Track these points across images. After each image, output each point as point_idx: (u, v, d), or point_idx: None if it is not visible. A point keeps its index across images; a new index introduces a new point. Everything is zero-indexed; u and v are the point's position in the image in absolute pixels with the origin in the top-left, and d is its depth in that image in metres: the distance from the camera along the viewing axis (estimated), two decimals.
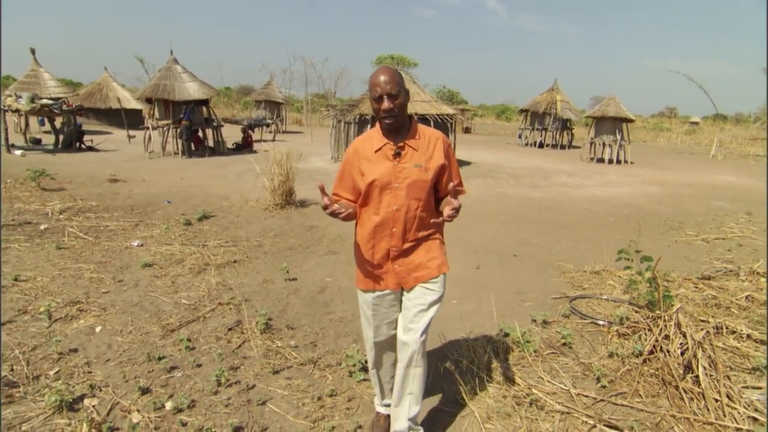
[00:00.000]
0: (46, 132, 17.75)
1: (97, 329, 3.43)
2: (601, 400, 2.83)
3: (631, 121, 16.42)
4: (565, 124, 21.85)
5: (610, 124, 16.10)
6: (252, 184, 9.22)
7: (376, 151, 2.08)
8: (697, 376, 2.92)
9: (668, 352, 3.19)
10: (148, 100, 14.11)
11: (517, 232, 6.68)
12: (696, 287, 4.62)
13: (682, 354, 3.12)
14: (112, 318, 3.61)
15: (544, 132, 21.83)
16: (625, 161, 16.10)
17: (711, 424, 2.58)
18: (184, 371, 2.96)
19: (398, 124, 2.04)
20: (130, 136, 17.00)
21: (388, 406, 2.41)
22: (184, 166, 11.66)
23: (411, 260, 2.15)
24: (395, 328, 2.28)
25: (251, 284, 4.33)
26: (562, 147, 21.85)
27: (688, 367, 3.05)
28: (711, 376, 2.92)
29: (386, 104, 1.96)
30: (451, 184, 1.93)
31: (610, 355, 3.32)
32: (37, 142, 14.77)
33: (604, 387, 2.96)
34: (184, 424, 2.46)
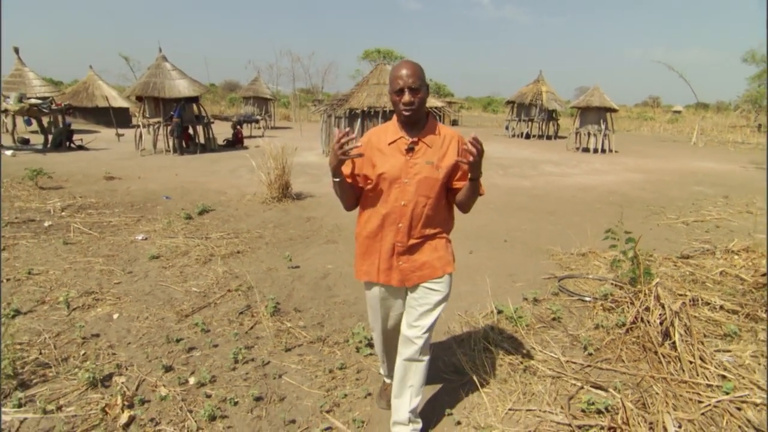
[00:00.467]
0: (33, 132, 17.63)
1: (115, 316, 3.62)
2: (588, 366, 3.10)
3: (614, 110, 16.81)
4: (551, 115, 22.23)
5: (594, 114, 16.48)
6: (247, 179, 9.38)
7: (390, 144, 2.08)
8: (674, 342, 3.20)
9: (648, 322, 3.47)
10: (138, 98, 14.12)
11: (507, 219, 6.96)
12: (675, 265, 4.93)
13: (661, 323, 3.40)
14: (127, 306, 3.80)
15: (530, 123, 22.18)
16: (610, 150, 16.50)
17: (685, 382, 2.86)
18: (202, 351, 3.17)
19: (416, 118, 2.03)
20: (119, 135, 16.97)
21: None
22: (177, 163, 11.75)
23: (416, 258, 2.14)
24: (400, 317, 2.31)
25: (256, 272, 4.54)
26: (549, 137, 22.24)
27: (666, 335, 3.33)
28: (686, 341, 3.21)
29: (407, 97, 1.96)
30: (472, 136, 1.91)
31: (596, 327, 3.60)
32: (26, 142, 14.71)
33: (590, 354, 3.24)
34: (209, 396, 2.68)
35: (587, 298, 4.12)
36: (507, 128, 23.41)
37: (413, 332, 2.16)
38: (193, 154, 13.51)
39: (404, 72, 1.94)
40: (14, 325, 3.30)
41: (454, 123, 30.88)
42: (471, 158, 1.89)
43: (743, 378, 2.88)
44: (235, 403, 2.63)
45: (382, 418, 2.53)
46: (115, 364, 2.96)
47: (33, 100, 13.58)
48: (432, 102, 13.38)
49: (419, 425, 2.34)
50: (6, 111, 12.73)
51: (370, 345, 3.19)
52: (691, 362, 3.04)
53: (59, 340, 3.21)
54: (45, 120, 15.22)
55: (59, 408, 2.53)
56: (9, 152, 11.97)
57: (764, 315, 3.69)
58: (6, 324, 3.25)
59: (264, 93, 24.64)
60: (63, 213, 6.40)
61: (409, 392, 2.24)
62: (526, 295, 4.16)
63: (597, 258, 5.16)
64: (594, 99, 16.41)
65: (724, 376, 2.89)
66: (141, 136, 13.58)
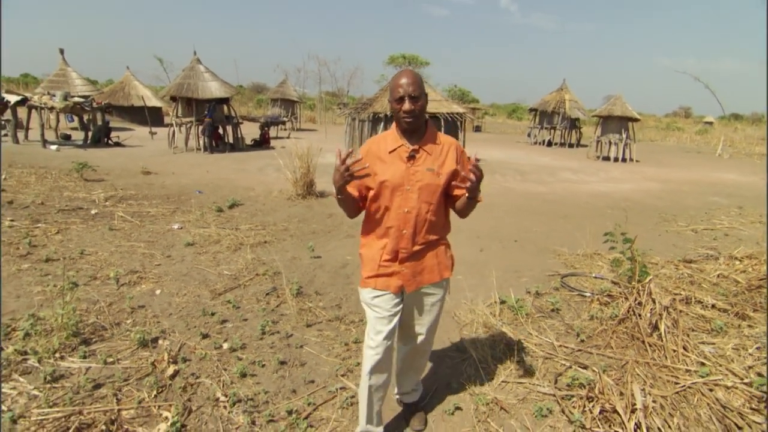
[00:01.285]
0: (72, 128, 18.58)
1: (157, 292, 4.09)
2: (579, 350, 3.41)
3: (636, 120, 16.84)
4: (574, 123, 22.27)
5: (616, 123, 16.55)
6: (274, 177, 9.89)
7: (390, 152, 2.10)
8: (660, 333, 3.49)
9: (640, 315, 3.75)
10: (173, 98, 14.85)
11: (519, 221, 7.25)
12: (676, 268, 5.17)
13: (651, 317, 3.69)
14: (167, 284, 4.27)
15: (552, 130, 22.27)
16: (631, 159, 16.53)
17: (666, 367, 3.15)
18: (233, 323, 3.60)
19: (416, 126, 2.08)
20: (152, 133, 17.77)
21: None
22: (208, 161, 12.36)
23: (418, 264, 2.17)
24: (396, 333, 2.27)
25: (282, 260, 4.97)
26: (571, 145, 22.28)
27: (655, 327, 3.62)
28: (672, 333, 3.49)
29: (407, 105, 2.00)
30: (472, 161, 1.95)
31: (591, 318, 3.90)
32: (67, 138, 15.61)
33: (582, 341, 3.55)
34: (240, 359, 3.10)
35: (586, 294, 4.42)
36: (529, 135, 23.53)
37: (416, 330, 2.33)
38: (223, 153, 14.13)
39: (404, 81, 2.00)
40: (74, 294, 3.79)
41: (477, 129, 31.08)
42: (469, 183, 1.92)
43: (720, 366, 3.15)
44: (263, 366, 3.04)
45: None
46: (160, 330, 3.41)
47: (77, 99, 14.41)
48: (454, 108, 13.71)
49: (420, 389, 2.68)
50: (52, 108, 13.53)
51: None
52: (674, 351, 3.32)
53: (112, 309, 3.68)
54: (85, 117, 16.12)
55: (116, 361, 2.98)
56: (54, 147, 12.76)
57: (752, 313, 3.93)
58: (66, 292, 3.74)
59: (291, 95, 25.33)
60: (107, 203, 6.97)
61: (413, 370, 2.53)
62: (529, 288, 4.48)
63: (601, 259, 5.43)
64: (616, 108, 16.49)
65: (703, 363, 3.16)
66: (174, 135, 14.28)
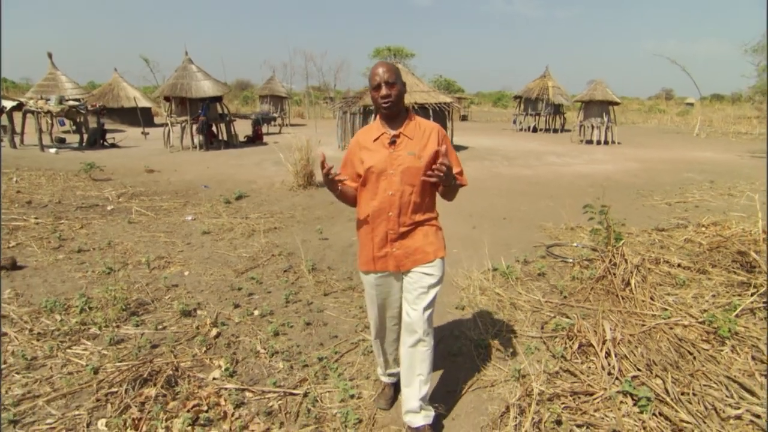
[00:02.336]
0: (64, 132, 18.73)
1: (186, 273, 4.55)
2: (562, 304, 3.95)
3: (616, 103, 17.47)
4: (557, 109, 22.87)
5: (597, 107, 17.16)
6: (272, 170, 10.32)
7: (374, 140, 2.25)
8: (632, 288, 4.04)
9: (614, 274, 4.29)
10: (166, 99, 15.14)
11: (508, 202, 7.79)
12: (649, 236, 5.74)
13: (624, 275, 4.24)
14: (193, 266, 4.73)
15: (537, 117, 22.86)
16: (613, 142, 17.17)
17: (636, 313, 3.70)
18: (259, 295, 4.09)
19: (395, 112, 2.22)
20: (144, 133, 18.03)
21: (392, 375, 2.65)
22: (205, 158, 12.73)
23: (409, 244, 2.26)
24: (398, 308, 2.42)
25: (293, 243, 5.44)
26: (555, 131, 22.91)
27: (627, 283, 4.16)
28: (642, 287, 4.04)
29: (384, 91, 2.14)
30: (440, 150, 2.07)
31: (573, 279, 4.45)
32: (62, 141, 15.83)
33: (565, 297, 4.09)
34: (270, 322, 3.58)
35: (569, 260, 4.96)
36: (515, 122, 24.10)
37: (413, 316, 2.26)
38: (218, 150, 14.48)
39: (380, 69, 2.15)
40: (117, 276, 4.24)
41: (464, 118, 31.60)
42: (436, 179, 2.05)
43: (681, 311, 3.70)
44: (291, 326, 3.53)
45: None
46: (196, 303, 3.88)
47: (71, 102, 14.64)
48: (441, 98, 14.18)
49: (431, 412, 2.40)
50: (48, 112, 13.78)
51: None
52: (642, 301, 3.87)
53: (150, 288, 4.15)
54: (78, 120, 16.34)
55: (165, 327, 3.46)
56: (53, 150, 13.05)
57: (711, 269, 4.51)
58: (111, 274, 4.19)
59: (279, 91, 25.60)
60: (120, 199, 7.38)
61: (418, 381, 2.31)
62: (518, 257, 5.01)
63: (582, 231, 5.98)
64: (597, 93, 17.09)
65: (665, 309, 3.71)
66: (169, 134, 14.59)
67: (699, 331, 3.42)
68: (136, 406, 2.51)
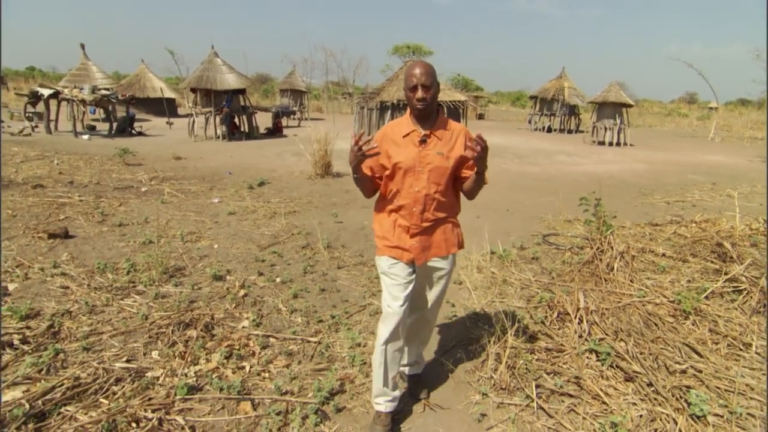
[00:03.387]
0: (94, 120, 19.57)
1: (215, 246, 5.11)
2: (550, 283, 4.41)
3: (630, 106, 17.66)
4: (573, 110, 23.05)
5: (610, 108, 17.38)
6: (292, 161, 10.88)
7: (404, 136, 2.27)
8: (614, 271, 4.48)
9: (601, 259, 4.74)
10: (192, 90, 15.82)
11: (514, 195, 8.22)
12: (642, 229, 6.14)
13: (609, 260, 4.67)
14: (221, 241, 5.29)
15: (552, 117, 23.07)
16: (625, 143, 17.39)
17: (614, 292, 4.14)
18: (280, 266, 4.62)
19: (428, 112, 2.24)
20: (169, 123, 18.76)
21: (388, 398, 2.42)
22: (227, 148, 13.35)
23: (427, 239, 2.34)
24: (408, 298, 2.38)
25: (310, 224, 5.97)
26: (570, 131, 23.09)
27: (612, 268, 4.60)
28: (624, 271, 4.48)
29: (420, 93, 2.16)
30: (476, 136, 2.08)
31: (563, 263, 4.90)
32: (93, 128, 16.62)
33: (553, 278, 4.54)
34: (290, 287, 4.11)
35: (562, 247, 5.41)
36: (530, 122, 24.34)
37: (422, 303, 2.50)
38: (239, 141, 15.10)
39: (417, 71, 2.16)
40: (152, 247, 4.82)
41: (480, 117, 31.86)
42: (475, 154, 2.07)
43: (656, 292, 4.13)
44: (308, 291, 4.06)
45: None
46: (226, 270, 4.43)
47: (103, 91, 15.40)
48: (456, 96, 14.59)
49: (423, 362, 2.88)
50: (83, 100, 14.54)
51: None
52: (623, 282, 4.32)
53: (184, 257, 4.71)
54: (109, 109, 17.11)
55: (200, 288, 4.01)
56: (86, 137, 13.81)
57: (691, 258, 4.92)
58: (151, 244, 4.76)
59: (299, 86, 26.20)
60: (152, 182, 8.00)
61: (417, 341, 2.69)
62: (515, 243, 5.47)
63: (579, 223, 6.39)
64: (611, 95, 17.31)
65: (642, 290, 4.15)
66: (194, 124, 15.26)
67: (668, 308, 3.86)
68: (181, 343, 3.06)
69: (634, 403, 2.63)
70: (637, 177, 10.59)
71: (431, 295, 2.48)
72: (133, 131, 16.12)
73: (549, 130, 23.24)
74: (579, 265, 4.74)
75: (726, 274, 4.31)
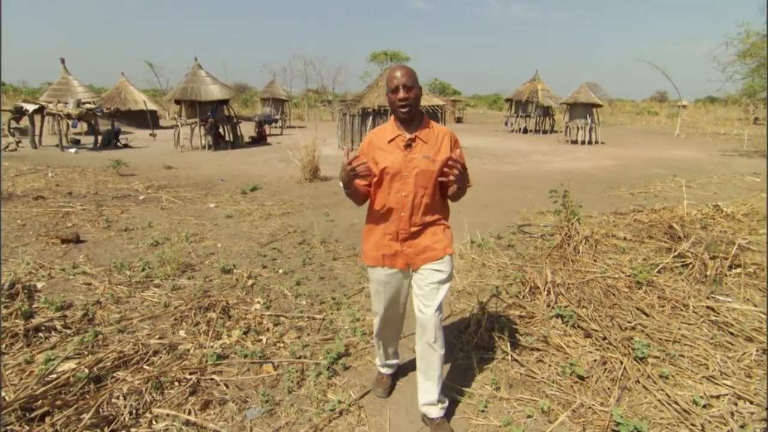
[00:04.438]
0: (76, 134, 19.65)
1: (218, 245, 5.54)
2: (523, 265, 4.96)
3: (599, 105, 18.54)
4: (547, 111, 23.95)
5: (581, 109, 18.23)
6: (280, 167, 11.32)
7: (389, 142, 2.29)
8: (580, 253, 5.05)
9: (568, 243, 5.32)
10: (177, 102, 16.12)
11: (492, 192, 8.81)
12: (606, 217, 6.76)
13: (576, 244, 5.25)
14: (223, 240, 5.72)
15: (527, 119, 23.93)
16: (596, 141, 18.24)
17: (580, 270, 4.70)
18: (281, 260, 5.08)
19: (411, 115, 2.25)
20: (152, 135, 18.98)
21: (390, 366, 2.83)
22: (214, 157, 13.71)
23: (418, 243, 2.33)
24: (404, 304, 2.52)
25: (304, 223, 6.44)
26: (545, 132, 23.98)
27: (578, 251, 5.17)
28: (588, 253, 5.06)
29: (402, 94, 2.18)
30: (452, 158, 2.17)
31: (535, 249, 5.46)
32: (77, 142, 16.77)
33: (527, 261, 5.09)
34: (293, 277, 4.57)
35: (535, 235, 5.98)
36: (506, 124, 25.17)
37: (426, 313, 2.33)
38: (225, 150, 15.45)
39: (399, 73, 2.20)
40: (160, 248, 5.22)
41: (459, 120, 32.66)
42: (452, 178, 2.16)
43: (616, 269, 4.71)
44: (309, 279, 4.53)
45: None
46: (232, 264, 4.87)
47: (88, 105, 15.60)
48: (434, 101, 15.20)
49: (446, 404, 2.52)
50: (68, 115, 14.73)
51: None
52: (587, 262, 4.89)
53: (192, 255, 5.13)
54: (93, 122, 17.28)
55: (211, 280, 4.45)
56: (72, 150, 14.02)
57: (647, 240, 5.53)
58: (156, 245, 5.16)
59: (280, 94, 26.60)
60: (148, 191, 8.37)
61: (437, 378, 2.41)
62: (493, 234, 6.02)
63: (551, 214, 6.99)
64: (581, 96, 18.16)
65: (604, 268, 4.72)
66: (179, 135, 15.56)
67: (625, 282, 4.43)
68: (203, 323, 3.51)
69: (591, 352, 3.17)
70: (605, 172, 11.31)
71: (433, 303, 2.33)
72: (119, 144, 16.34)
73: (525, 131, 24.09)
74: (549, 249, 5.31)
75: (674, 251, 4.93)
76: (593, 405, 2.63)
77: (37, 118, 15.41)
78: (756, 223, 6.12)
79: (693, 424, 2.44)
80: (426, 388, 2.45)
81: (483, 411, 2.62)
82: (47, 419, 2.32)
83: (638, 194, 8.68)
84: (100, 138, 16.12)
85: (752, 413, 2.50)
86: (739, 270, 4.64)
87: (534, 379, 2.92)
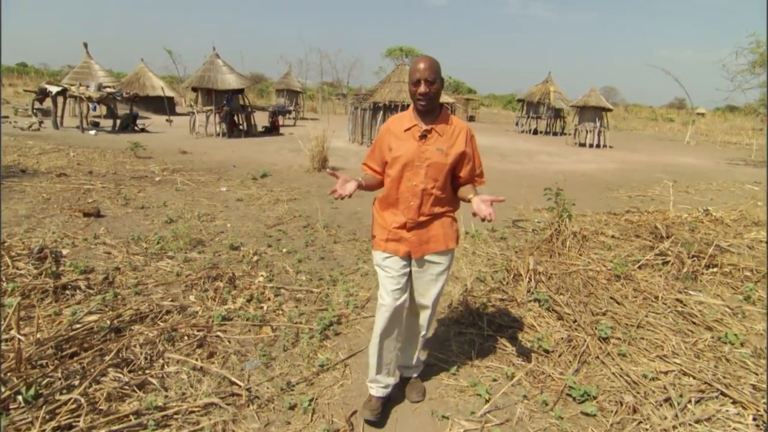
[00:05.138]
0: (95, 117, 20.21)
1: (228, 225, 5.92)
2: (511, 256, 5.26)
3: (609, 110, 18.66)
4: (558, 113, 24.06)
5: (591, 112, 18.37)
6: (290, 156, 11.69)
7: (405, 131, 2.30)
8: (567, 247, 5.34)
9: (557, 238, 5.61)
10: (194, 89, 16.56)
11: (492, 189, 9.01)
12: (599, 217, 7.03)
13: (564, 239, 5.54)
14: (233, 221, 6.09)
15: (538, 120, 24.05)
16: (605, 145, 18.37)
17: (564, 263, 5.00)
18: (285, 240, 5.44)
19: (431, 108, 2.26)
20: (169, 120, 19.46)
21: (383, 386, 2.53)
22: (228, 144, 14.12)
23: (424, 233, 2.34)
24: (409, 294, 2.48)
25: (309, 209, 6.79)
26: (555, 134, 24.09)
27: (566, 245, 5.47)
28: (575, 247, 5.35)
29: (423, 88, 2.18)
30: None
31: (526, 242, 5.76)
32: (96, 125, 17.30)
33: (515, 252, 5.40)
34: (295, 255, 4.93)
35: (527, 229, 6.27)
36: (517, 124, 25.30)
37: (422, 301, 2.46)
38: (239, 138, 15.86)
39: (422, 66, 2.18)
40: (174, 225, 5.61)
41: (471, 119, 32.80)
42: (483, 217, 2.12)
43: (599, 263, 5.00)
44: (310, 259, 4.89)
45: None
46: (239, 242, 5.24)
47: (109, 89, 16.10)
48: (444, 98, 15.46)
49: (422, 366, 2.80)
50: (90, 98, 15.24)
51: None
52: (573, 256, 5.18)
53: (203, 233, 5.51)
54: (113, 106, 17.81)
55: (220, 255, 4.82)
56: (92, 132, 14.53)
57: (634, 238, 5.80)
58: (170, 222, 5.55)
59: (295, 86, 27.00)
60: (164, 173, 8.78)
61: (415, 344, 2.64)
62: (487, 226, 6.33)
63: (546, 212, 7.27)
64: (591, 99, 18.29)
65: (588, 261, 5.01)
66: (195, 121, 16.01)
67: (605, 275, 4.72)
68: (211, 290, 3.88)
69: (559, 331, 3.48)
70: (607, 175, 11.53)
71: (429, 295, 2.46)
72: (137, 128, 16.82)
73: (535, 132, 24.22)
74: (539, 242, 5.60)
75: (657, 249, 5.20)
76: (553, 373, 2.95)
77: (60, 100, 15.94)
78: (743, 228, 6.36)
79: (638, 393, 2.75)
80: (407, 352, 2.64)
81: (454, 374, 2.96)
82: (75, 358, 2.70)
83: (635, 197, 8.91)
84: (118, 121, 16.63)
85: (691, 385, 2.80)
86: (715, 269, 4.90)
87: (504, 351, 3.25)
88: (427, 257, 2.38)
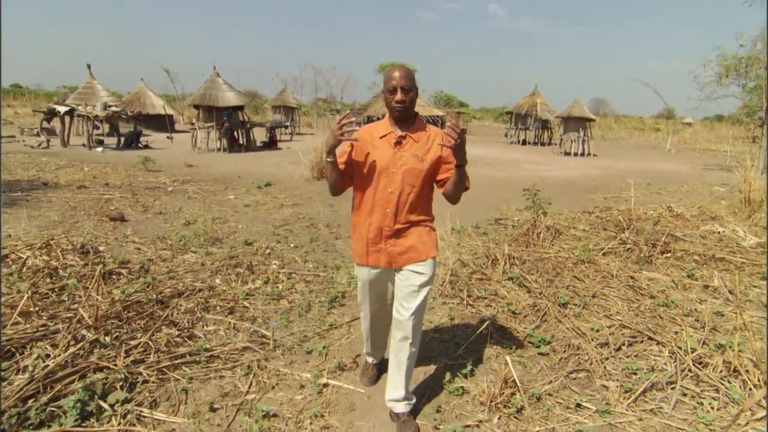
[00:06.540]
0: (98, 134, 20.90)
1: (240, 226, 6.60)
2: (495, 246, 5.97)
3: (592, 120, 19.58)
4: (545, 124, 25.01)
5: (575, 122, 19.28)
6: (290, 168, 12.42)
7: (381, 138, 2.31)
8: (541, 239, 6.06)
9: (533, 231, 6.33)
10: (195, 106, 17.33)
11: (480, 193, 9.83)
12: (575, 215, 7.77)
13: (539, 232, 6.26)
14: (243, 223, 6.78)
15: (526, 131, 24.99)
16: (589, 154, 19.24)
17: (538, 252, 5.71)
18: (292, 237, 6.13)
19: (406, 116, 2.27)
20: (169, 137, 20.18)
21: (374, 356, 2.92)
22: (230, 158, 14.84)
23: (402, 242, 2.34)
24: (390, 303, 2.52)
25: (312, 212, 7.49)
26: (543, 144, 25.01)
27: (540, 237, 6.19)
28: (549, 239, 6.07)
29: (399, 96, 2.19)
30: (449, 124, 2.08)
31: (506, 235, 6.48)
32: (101, 142, 18.00)
33: (496, 244, 6.11)
34: (301, 249, 5.61)
35: (507, 225, 7.00)
36: (506, 135, 26.23)
37: (403, 314, 2.35)
38: (239, 153, 16.59)
39: (397, 74, 2.20)
40: (194, 225, 6.29)
41: (462, 132, 33.71)
42: (451, 141, 2.05)
43: (571, 252, 5.71)
44: (314, 252, 5.57)
45: None
46: (252, 239, 5.92)
47: (114, 108, 16.84)
48: (434, 111, 16.31)
49: (412, 401, 2.55)
50: (96, 116, 15.96)
51: None
52: (547, 246, 5.90)
53: (218, 232, 6.19)
54: (107, 125, 18.52)
55: (236, 249, 5.50)
56: (100, 149, 15.21)
57: (602, 231, 6.53)
58: (188, 224, 6.24)
59: (290, 102, 27.85)
60: (175, 184, 9.47)
61: (404, 375, 2.45)
62: (472, 224, 7.05)
63: (527, 212, 8.01)
64: (575, 110, 19.22)
65: (558, 250, 5.72)
66: (197, 137, 16.74)
67: (573, 260, 5.44)
68: (233, 275, 4.56)
69: (526, 300, 4.18)
70: (588, 180, 12.32)
71: (411, 306, 2.35)
72: (140, 144, 17.53)
73: (524, 142, 25.13)
74: (517, 235, 6.32)
75: (619, 238, 5.93)
76: (518, 328, 3.64)
77: (67, 119, 16.64)
78: (700, 222, 7.12)
79: (584, 338, 3.44)
80: (394, 383, 2.48)
81: (438, 331, 3.64)
82: (132, 323, 3.37)
83: (611, 198, 9.68)
84: (122, 139, 17.35)
85: (626, 333, 3.50)
86: (668, 255, 5.63)
87: (479, 315, 3.94)
88: (408, 267, 2.36)
